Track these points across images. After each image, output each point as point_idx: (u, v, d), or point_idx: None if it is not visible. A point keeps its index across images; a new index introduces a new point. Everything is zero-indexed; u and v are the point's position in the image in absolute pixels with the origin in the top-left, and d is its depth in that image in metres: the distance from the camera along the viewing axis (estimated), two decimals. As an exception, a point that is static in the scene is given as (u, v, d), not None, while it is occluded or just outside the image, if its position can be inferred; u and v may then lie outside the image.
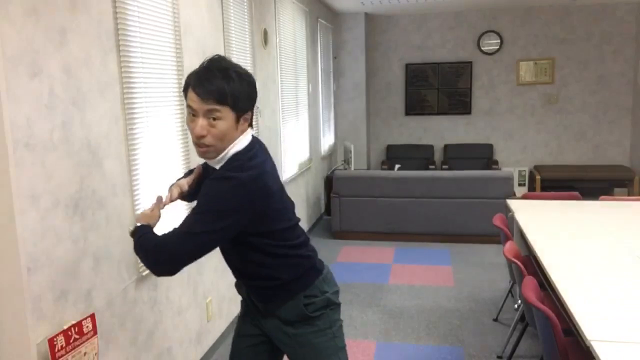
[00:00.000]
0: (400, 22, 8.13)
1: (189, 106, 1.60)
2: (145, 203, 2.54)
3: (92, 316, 2.09)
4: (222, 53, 3.56)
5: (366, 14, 7.78)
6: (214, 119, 1.57)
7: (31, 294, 1.82)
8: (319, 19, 6.65)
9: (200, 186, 1.66)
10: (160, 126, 2.70)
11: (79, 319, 2.02)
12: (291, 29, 5.38)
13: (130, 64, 2.42)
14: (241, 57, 3.93)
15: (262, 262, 1.73)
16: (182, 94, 2.92)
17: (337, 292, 1.87)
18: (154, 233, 1.67)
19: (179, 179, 1.91)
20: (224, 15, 3.59)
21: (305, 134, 5.99)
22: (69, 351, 1.93)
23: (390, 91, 8.33)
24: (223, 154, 1.64)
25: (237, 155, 1.65)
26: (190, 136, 1.69)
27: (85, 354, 2.02)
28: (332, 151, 7.72)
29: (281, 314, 1.80)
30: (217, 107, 1.56)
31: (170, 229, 1.64)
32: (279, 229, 1.72)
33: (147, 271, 2.55)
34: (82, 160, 2.10)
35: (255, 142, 1.72)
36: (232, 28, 3.74)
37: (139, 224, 1.70)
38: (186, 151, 2.98)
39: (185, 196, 1.88)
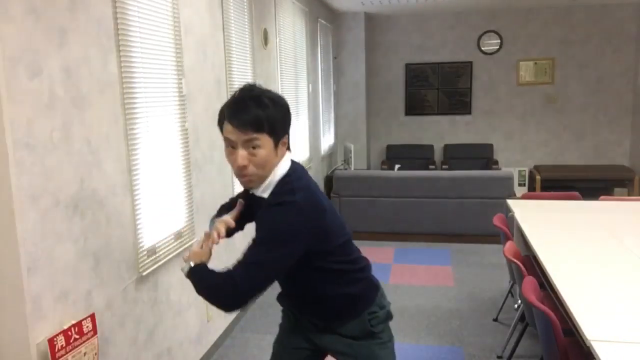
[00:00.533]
0: (400, 22, 8.13)
1: (226, 139, 1.59)
2: (145, 203, 2.54)
3: (92, 316, 2.09)
4: (222, 53, 3.56)
5: (366, 14, 7.78)
6: (254, 147, 1.56)
7: (31, 294, 1.82)
8: (319, 19, 6.65)
9: (241, 221, 1.71)
10: (160, 126, 2.70)
11: (79, 319, 2.02)
12: (291, 29, 5.38)
13: (130, 64, 2.42)
14: (241, 57, 3.93)
15: (327, 282, 1.71)
16: (182, 94, 2.92)
17: (389, 303, 1.87)
18: (212, 270, 1.61)
19: (219, 215, 1.83)
20: (224, 15, 3.59)
21: (305, 134, 5.99)
22: (69, 351, 1.93)
23: (390, 91, 8.33)
24: (268, 181, 1.63)
25: (283, 179, 1.63)
26: (228, 165, 1.69)
27: (85, 354, 2.02)
28: (332, 151, 7.72)
29: (343, 331, 1.78)
30: (256, 135, 1.55)
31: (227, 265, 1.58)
32: (339, 244, 1.69)
33: (147, 271, 2.55)
34: (82, 160, 2.10)
35: (296, 164, 1.71)
36: (232, 28, 3.74)
37: (192, 264, 1.63)
38: (186, 151, 2.98)
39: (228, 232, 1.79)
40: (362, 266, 1.78)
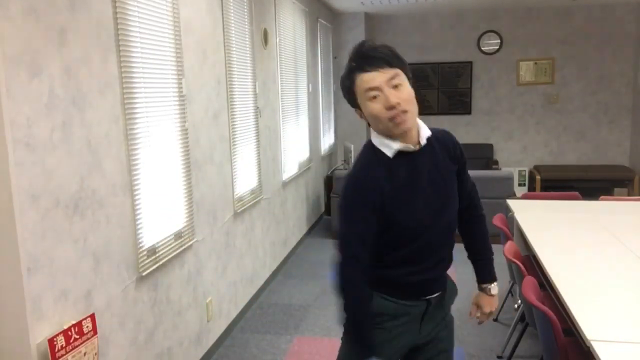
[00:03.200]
0: (400, 22, 8.12)
1: (368, 89, 1.55)
2: (145, 203, 2.54)
3: (92, 316, 2.09)
4: (222, 53, 3.56)
5: (366, 14, 7.78)
6: (396, 86, 1.55)
7: (31, 294, 1.82)
8: (319, 19, 6.65)
9: None
10: (160, 126, 2.70)
11: (79, 319, 2.02)
12: (291, 29, 5.38)
13: (130, 64, 2.42)
14: (241, 57, 3.93)
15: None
16: (182, 94, 2.92)
17: None
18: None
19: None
20: (224, 15, 3.59)
21: (305, 133, 5.99)
22: (69, 351, 1.93)
23: (390, 91, 8.31)
24: (421, 124, 1.64)
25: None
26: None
27: (85, 354, 2.02)
28: (332, 151, 7.72)
29: (446, 300, 1.80)
30: (393, 71, 1.55)
31: None
32: None
33: (147, 271, 2.55)
34: (82, 160, 2.10)
35: None
36: (232, 28, 3.74)
37: None
38: (186, 151, 2.98)
39: None
40: None
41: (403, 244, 1.65)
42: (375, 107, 1.55)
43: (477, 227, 1.88)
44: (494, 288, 1.90)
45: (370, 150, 1.65)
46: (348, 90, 1.61)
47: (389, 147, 1.60)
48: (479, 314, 1.94)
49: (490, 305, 1.92)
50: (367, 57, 1.56)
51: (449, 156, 1.70)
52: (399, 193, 1.60)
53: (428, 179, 1.63)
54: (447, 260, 1.75)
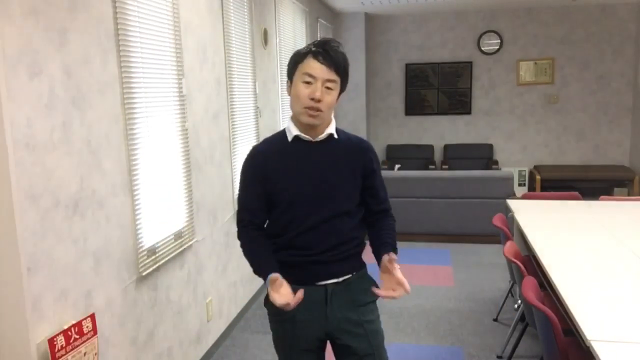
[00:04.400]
0: (400, 22, 8.13)
1: (306, 74, 1.73)
2: (145, 203, 2.54)
3: (92, 316, 2.09)
4: (222, 53, 3.56)
5: (366, 14, 7.78)
6: (329, 88, 1.75)
7: (31, 294, 1.82)
8: (319, 19, 6.65)
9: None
10: (160, 126, 2.70)
11: (79, 319, 2.02)
12: (291, 29, 5.38)
13: (130, 64, 2.42)
14: (241, 57, 3.93)
15: (359, 218, 1.91)
16: (182, 94, 2.92)
17: None
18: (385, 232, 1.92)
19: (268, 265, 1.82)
20: (224, 15, 3.59)
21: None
22: (69, 351, 1.93)
23: (390, 91, 8.33)
24: (332, 125, 1.83)
25: (337, 128, 1.87)
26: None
27: (85, 354, 2.02)
28: (332, 151, 7.71)
29: (350, 289, 1.84)
30: (336, 78, 1.76)
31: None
32: None
33: (147, 271, 2.55)
34: (82, 160, 2.10)
35: None
36: (232, 28, 3.74)
37: None
38: (186, 151, 2.98)
39: None
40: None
41: (288, 225, 1.81)
42: (302, 90, 1.74)
43: (382, 223, 1.94)
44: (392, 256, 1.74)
45: (281, 131, 1.89)
46: (294, 64, 1.78)
47: (290, 132, 1.83)
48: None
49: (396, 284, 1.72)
50: (327, 53, 1.74)
51: (354, 159, 1.84)
52: (282, 171, 1.80)
53: (316, 168, 1.80)
54: (339, 251, 1.83)
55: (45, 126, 1.89)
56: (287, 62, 1.82)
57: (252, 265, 1.83)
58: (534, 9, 7.74)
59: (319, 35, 6.62)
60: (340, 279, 1.84)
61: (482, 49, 7.96)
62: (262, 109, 4.41)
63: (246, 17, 4.04)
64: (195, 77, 3.14)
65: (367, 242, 1.93)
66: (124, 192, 2.39)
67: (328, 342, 1.92)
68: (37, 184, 1.85)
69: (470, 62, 8.01)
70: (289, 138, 1.82)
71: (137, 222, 2.48)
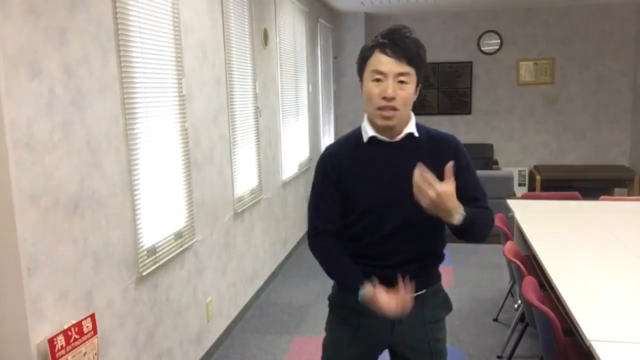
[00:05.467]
0: (400, 22, 8.08)
1: (375, 71, 1.58)
2: (145, 203, 2.54)
3: (92, 316, 2.09)
4: (222, 53, 3.56)
5: (366, 14, 7.78)
6: (402, 82, 1.57)
7: (31, 294, 1.82)
8: (319, 19, 6.65)
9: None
10: (160, 126, 2.70)
11: (79, 319, 2.02)
12: (291, 29, 5.38)
13: (130, 64, 2.42)
14: (241, 57, 3.93)
15: (436, 227, 1.71)
16: (182, 94, 2.92)
17: None
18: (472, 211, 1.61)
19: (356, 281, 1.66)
20: (224, 15, 3.59)
21: (305, 133, 5.99)
22: (69, 351, 1.93)
23: (390, 91, 8.31)
24: (411, 123, 1.65)
25: (418, 122, 1.69)
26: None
27: (85, 354, 2.02)
28: (332, 151, 7.70)
29: (424, 305, 1.72)
30: (408, 69, 1.57)
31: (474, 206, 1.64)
32: None
33: (147, 271, 2.55)
34: (82, 160, 2.10)
35: None
36: (232, 28, 3.74)
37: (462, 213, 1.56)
38: (186, 151, 2.98)
39: None
40: None
41: (361, 234, 1.68)
42: (373, 89, 1.59)
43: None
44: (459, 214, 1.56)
45: (356, 129, 1.73)
46: (362, 60, 1.64)
47: (366, 133, 1.68)
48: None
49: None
50: (395, 42, 1.57)
51: (438, 160, 1.58)
52: (357, 175, 1.66)
53: (394, 172, 1.64)
54: (415, 266, 1.68)
55: (45, 126, 1.89)
56: (356, 59, 1.67)
57: (333, 278, 1.71)
58: (534, 9, 7.73)
59: (319, 36, 6.62)
60: (414, 295, 1.65)
61: (482, 49, 7.96)
62: (262, 109, 4.41)
63: (246, 17, 4.04)
64: (195, 77, 3.13)
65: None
66: (124, 192, 2.39)
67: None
68: (37, 184, 1.85)
69: (470, 62, 8.01)
70: (365, 139, 1.67)
71: (137, 222, 2.48)
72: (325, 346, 1.85)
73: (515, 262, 2.77)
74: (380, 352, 1.83)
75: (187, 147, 2.99)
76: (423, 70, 1.62)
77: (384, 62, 1.57)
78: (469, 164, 1.70)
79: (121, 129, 2.36)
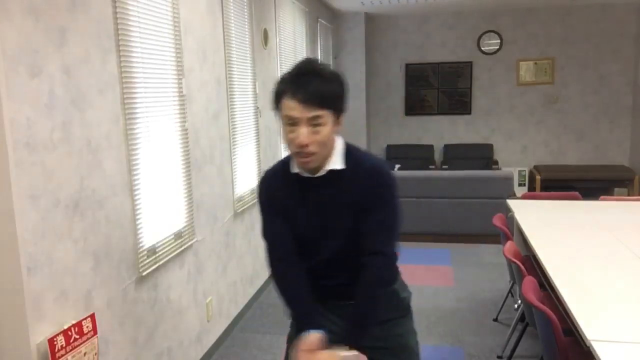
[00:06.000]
0: (400, 22, 8.12)
1: (287, 116, 1.52)
2: (145, 203, 2.54)
3: (92, 316, 2.09)
4: (222, 53, 3.56)
5: (366, 14, 7.78)
6: (316, 125, 1.51)
7: (31, 294, 1.82)
8: (319, 19, 6.65)
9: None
10: (160, 126, 2.70)
11: (79, 319, 2.02)
12: (291, 29, 5.38)
13: (130, 64, 2.42)
14: (241, 57, 3.93)
15: None
16: (182, 94, 2.92)
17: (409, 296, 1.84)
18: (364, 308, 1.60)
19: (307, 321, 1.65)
20: (224, 15, 3.59)
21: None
22: (69, 351, 1.93)
23: (390, 91, 8.33)
24: (333, 159, 1.60)
25: (349, 151, 1.62)
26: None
27: (85, 354, 2.02)
28: (332, 151, 7.71)
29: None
30: (320, 112, 1.49)
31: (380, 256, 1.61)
32: None
33: (147, 271, 2.55)
34: (82, 160, 2.10)
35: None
36: (232, 28, 3.74)
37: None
38: (186, 151, 2.98)
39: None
40: None
41: (303, 256, 1.68)
42: (288, 135, 1.54)
43: (363, 281, 1.61)
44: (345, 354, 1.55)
45: (286, 158, 1.70)
46: (276, 101, 1.58)
47: (292, 166, 1.65)
48: None
49: None
50: (301, 85, 1.49)
51: (359, 192, 1.59)
52: (287, 204, 1.66)
53: (316, 207, 1.63)
54: (355, 283, 1.63)
55: (45, 126, 1.89)
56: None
57: (290, 311, 1.67)
58: (534, 9, 7.73)
59: (319, 36, 6.62)
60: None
61: (482, 49, 7.96)
62: (262, 109, 4.41)
63: (246, 17, 4.04)
64: (195, 77, 3.14)
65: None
66: (124, 192, 2.39)
67: None
68: (37, 184, 1.85)
69: (470, 62, 8.01)
70: (292, 170, 1.66)
71: (137, 222, 2.48)
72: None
73: (515, 262, 2.77)
74: None
75: (187, 147, 2.99)
76: (341, 103, 1.56)
77: (293, 107, 1.50)
78: (390, 202, 1.63)
79: (121, 129, 2.36)
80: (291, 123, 1.52)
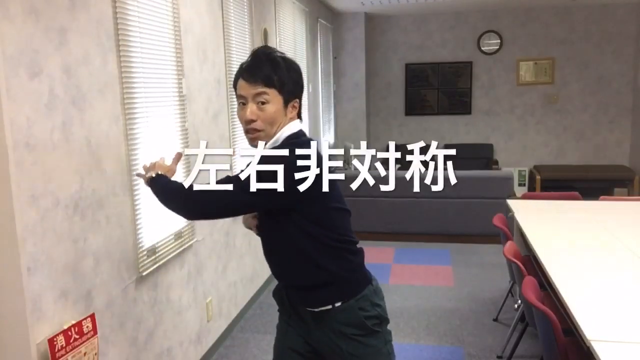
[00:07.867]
0: (400, 22, 8.12)
1: (239, 96, 1.66)
2: (145, 203, 2.54)
3: (92, 316, 2.09)
4: (222, 53, 3.56)
5: (366, 14, 7.78)
6: (262, 102, 1.63)
7: (31, 294, 1.82)
8: (319, 19, 6.65)
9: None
10: (160, 126, 2.70)
11: (79, 319, 2.02)
12: (291, 29, 5.38)
13: (130, 64, 2.42)
14: (241, 57, 3.93)
15: (309, 250, 1.65)
16: (182, 94, 2.92)
17: (385, 307, 1.79)
18: (177, 182, 1.74)
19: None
20: (224, 15, 3.59)
21: (306, 133, 5.98)
22: (69, 351, 1.93)
23: (390, 91, 8.33)
24: (274, 139, 1.67)
25: (290, 137, 1.68)
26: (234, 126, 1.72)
27: (85, 354, 2.02)
28: (332, 151, 7.70)
29: (333, 319, 1.70)
30: (265, 89, 1.62)
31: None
32: (327, 211, 1.70)
33: (147, 271, 2.55)
34: (82, 160, 2.09)
35: (306, 135, 1.77)
36: (232, 28, 3.74)
37: (159, 172, 1.77)
38: (186, 151, 2.98)
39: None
40: (353, 249, 1.74)
41: None
42: (239, 113, 1.68)
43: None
44: None
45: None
46: (234, 85, 1.70)
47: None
48: None
49: None
50: (250, 67, 1.64)
51: None
52: None
53: None
54: (298, 284, 1.72)
55: (45, 126, 1.89)
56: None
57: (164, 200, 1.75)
58: (534, 9, 7.73)
59: (319, 36, 6.62)
60: (317, 310, 1.71)
61: (482, 49, 7.96)
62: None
63: (246, 17, 4.04)
64: (195, 77, 3.13)
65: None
66: (124, 192, 2.39)
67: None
68: (37, 184, 1.85)
69: (470, 62, 8.01)
70: None
71: (137, 222, 2.48)
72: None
73: (515, 262, 2.77)
74: (313, 357, 1.83)
75: (187, 147, 2.99)
76: (290, 86, 1.66)
77: (242, 86, 1.65)
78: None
79: (121, 129, 2.36)
80: (242, 102, 1.66)
